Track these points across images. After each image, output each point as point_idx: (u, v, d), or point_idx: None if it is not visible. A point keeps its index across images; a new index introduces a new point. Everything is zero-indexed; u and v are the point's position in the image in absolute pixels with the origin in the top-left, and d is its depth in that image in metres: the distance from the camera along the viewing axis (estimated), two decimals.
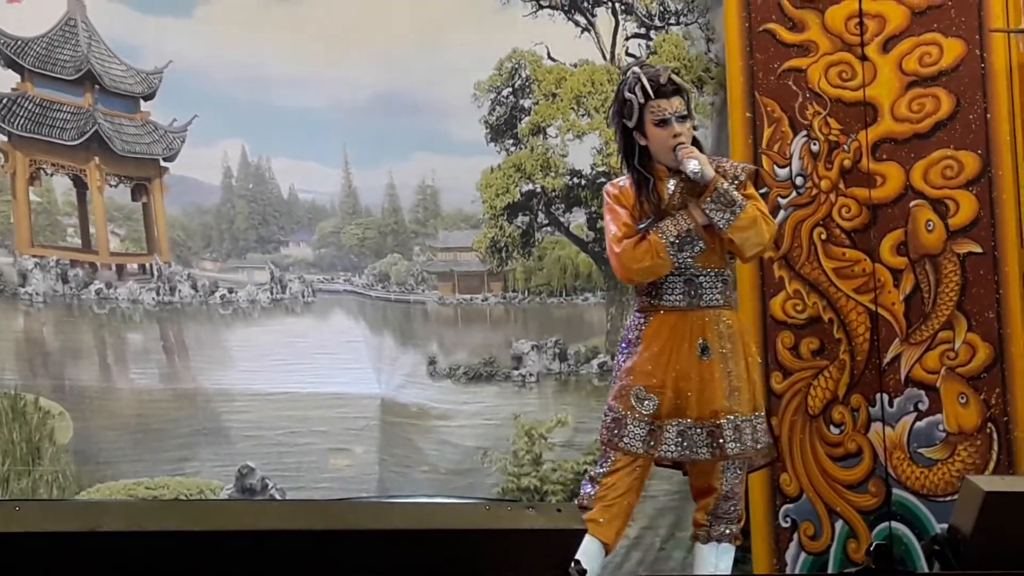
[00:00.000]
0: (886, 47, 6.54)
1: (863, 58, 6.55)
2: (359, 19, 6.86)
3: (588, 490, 5.18)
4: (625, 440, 5.15)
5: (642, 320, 5.27)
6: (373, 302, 7.02)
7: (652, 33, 7.19)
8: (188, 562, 2.96)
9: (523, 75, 7.09)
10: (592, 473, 5.27)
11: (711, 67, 7.19)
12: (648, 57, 7.14)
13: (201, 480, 6.57)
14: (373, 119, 6.92)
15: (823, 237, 6.56)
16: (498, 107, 7.06)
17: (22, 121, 6.43)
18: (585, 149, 7.12)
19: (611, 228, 5.25)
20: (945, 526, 3.74)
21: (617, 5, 7.13)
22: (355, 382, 6.83)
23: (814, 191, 6.59)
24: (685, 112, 5.21)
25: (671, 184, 5.23)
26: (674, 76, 5.24)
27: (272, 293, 6.88)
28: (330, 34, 6.80)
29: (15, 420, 6.30)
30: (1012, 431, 6.36)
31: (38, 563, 2.88)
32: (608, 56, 7.10)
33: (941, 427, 6.42)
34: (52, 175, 6.55)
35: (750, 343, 5.37)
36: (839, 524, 6.51)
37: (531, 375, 7.06)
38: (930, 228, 6.46)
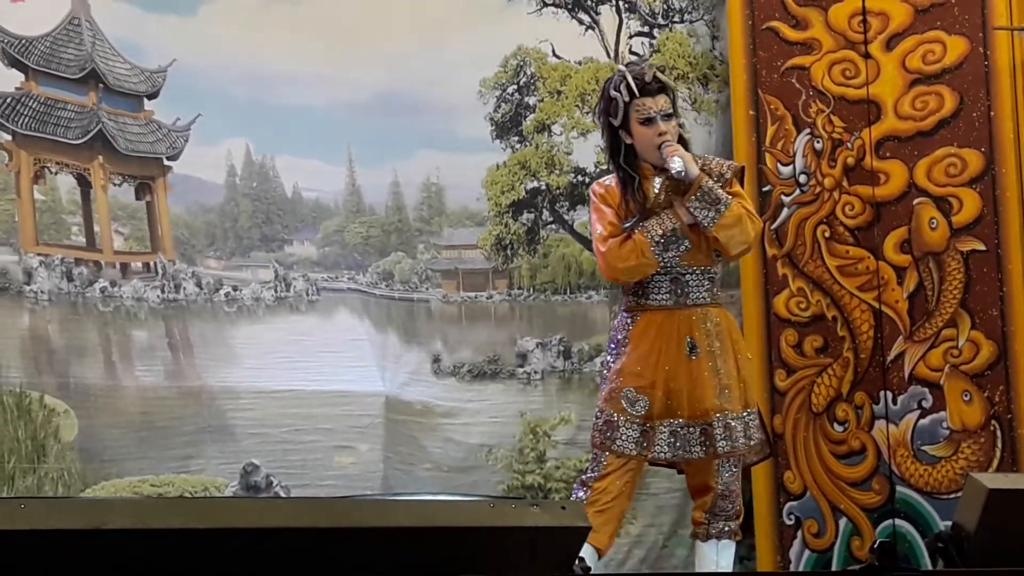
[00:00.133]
0: (889, 45, 6.54)
1: (866, 56, 6.55)
2: (363, 17, 6.86)
3: (580, 495, 5.16)
4: (618, 442, 5.14)
5: (629, 320, 5.27)
6: (377, 300, 7.02)
7: (656, 31, 7.19)
8: (193, 560, 2.97)
9: (528, 72, 7.09)
10: (583, 478, 5.26)
11: (716, 64, 7.19)
12: (651, 55, 7.14)
13: (206, 477, 6.58)
14: (377, 117, 6.93)
15: (827, 235, 6.56)
16: (503, 104, 7.07)
17: (26, 120, 6.44)
18: (590, 147, 7.12)
19: (596, 227, 5.25)
20: (949, 523, 3.74)
21: (621, 3, 7.13)
22: (359, 380, 6.84)
23: (818, 189, 6.59)
24: (671, 110, 5.19)
25: (657, 183, 5.22)
26: (659, 74, 5.21)
27: (276, 291, 6.88)
28: (334, 32, 6.80)
29: (20, 418, 6.30)
30: (1016, 428, 6.35)
31: (43, 560, 2.89)
32: (612, 54, 7.10)
33: (945, 424, 6.42)
34: (56, 174, 6.56)
35: (739, 340, 5.35)
36: (843, 521, 6.51)
37: (536, 373, 7.06)
38: (934, 226, 6.46)
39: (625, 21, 7.16)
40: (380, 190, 7.06)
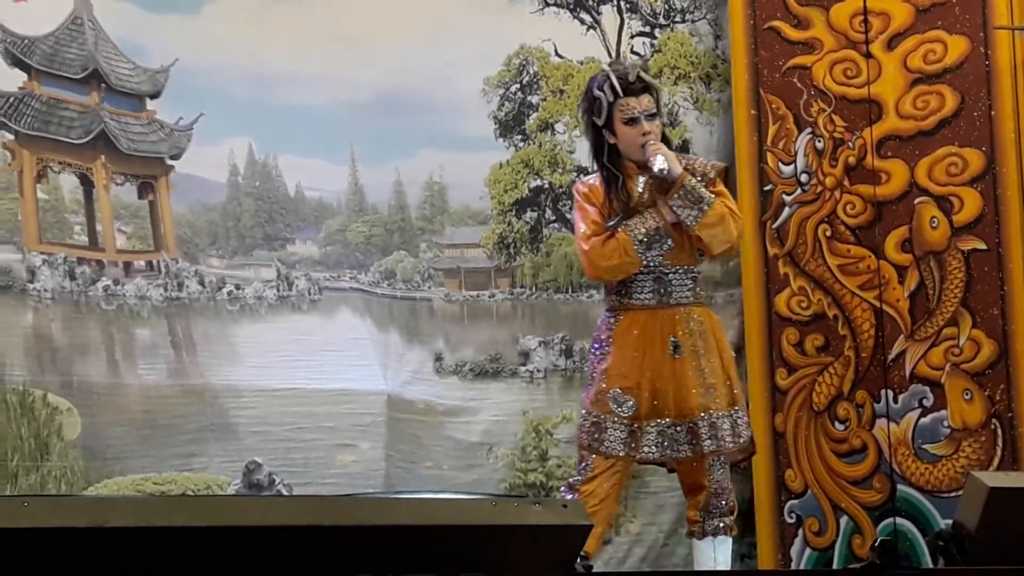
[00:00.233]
0: (891, 44, 6.54)
1: (868, 55, 6.56)
2: (366, 16, 6.86)
3: (568, 498, 5.16)
4: (606, 444, 5.15)
5: (612, 319, 5.27)
6: (379, 299, 7.02)
7: (657, 31, 7.19)
8: (195, 558, 2.97)
9: (531, 71, 7.10)
10: (571, 481, 5.27)
11: (718, 64, 7.19)
12: (653, 55, 7.14)
13: (208, 476, 6.59)
14: (380, 116, 6.92)
15: (828, 234, 6.57)
16: (507, 103, 7.07)
17: (29, 119, 6.44)
18: None
19: (580, 226, 5.26)
20: (950, 522, 3.75)
21: (622, 3, 7.13)
22: (361, 378, 6.84)
23: (819, 188, 6.59)
24: (654, 110, 5.20)
25: (640, 182, 5.23)
26: (643, 74, 5.22)
27: (279, 290, 6.88)
28: (337, 31, 6.80)
29: (23, 416, 6.31)
30: (1016, 427, 6.36)
31: (46, 558, 2.89)
32: (613, 54, 7.10)
33: (946, 423, 6.43)
34: (59, 173, 6.56)
35: (723, 339, 5.35)
36: (844, 520, 6.52)
37: (538, 371, 7.06)
38: (935, 225, 6.47)
39: (626, 21, 7.16)
40: (383, 189, 7.06)
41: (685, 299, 5.24)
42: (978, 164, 6.42)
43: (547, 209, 7.15)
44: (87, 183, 6.60)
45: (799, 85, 6.61)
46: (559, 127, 7.13)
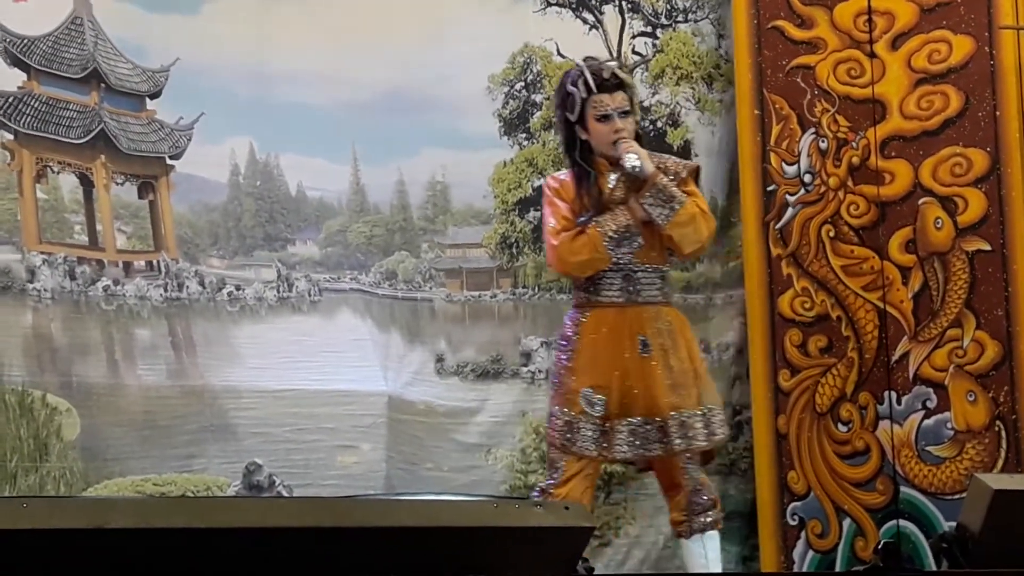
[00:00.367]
0: (895, 44, 6.53)
1: (872, 55, 6.55)
2: (367, 15, 6.85)
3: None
4: (578, 444, 5.15)
5: (579, 316, 5.28)
6: (380, 300, 7.01)
7: (659, 31, 7.17)
8: (195, 559, 2.96)
9: (535, 70, 7.08)
10: (543, 486, 5.27)
11: (720, 64, 7.18)
12: (655, 55, 7.13)
13: (208, 477, 6.58)
14: (382, 115, 6.91)
15: (831, 235, 6.56)
16: (511, 101, 7.05)
17: (28, 119, 6.44)
18: None
19: (550, 220, 5.26)
20: (953, 524, 3.73)
21: (624, 3, 7.12)
22: (362, 380, 6.83)
23: (822, 188, 6.58)
24: (628, 107, 5.21)
25: (612, 179, 5.24)
26: (618, 71, 5.24)
27: (279, 291, 6.87)
28: (338, 30, 6.79)
29: (22, 416, 6.30)
30: (1020, 429, 6.35)
31: (45, 560, 2.88)
32: (615, 54, 7.09)
33: (949, 425, 6.42)
34: (59, 173, 6.55)
35: (692, 340, 5.36)
36: (847, 522, 6.51)
37: (540, 372, 7.05)
38: (939, 226, 6.45)
39: (628, 21, 7.14)
40: (385, 189, 7.05)
41: (654, 298, 5.25)
42: (982, 164, 6.41)
43: None
44: (87, 183, 6.59)
45: (803, 85, 6.59)
46: None
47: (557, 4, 7.05)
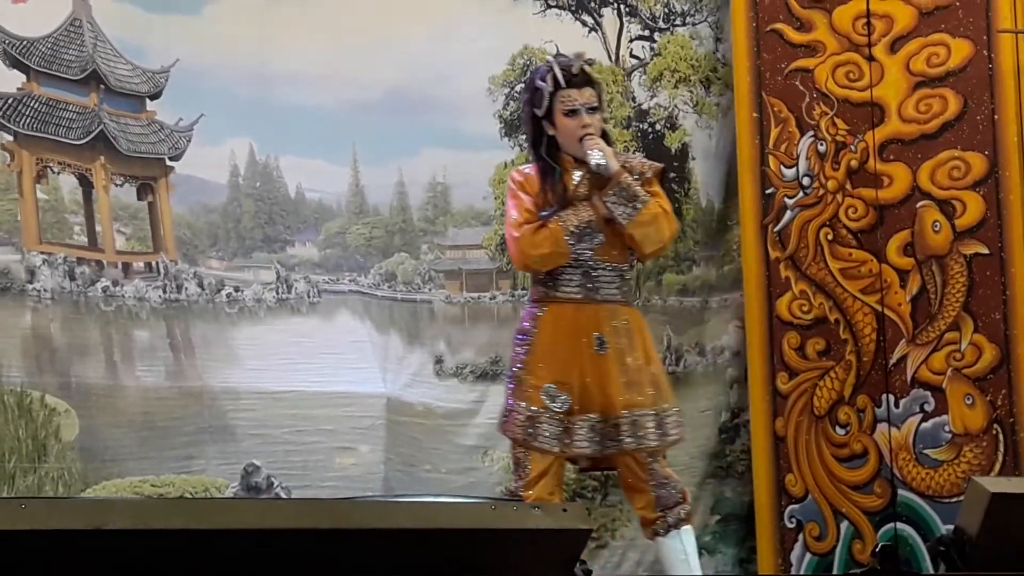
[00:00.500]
0: (893, 47, 6.54)
1: (870, 58, 6.55)
2: (367, 16, 6.85)
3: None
4: (540, 439, 5.14)
5: (537, 311, 5.28)
6: (379, 301, 7.00)
7: (656, 34, 7.18)
8: (193, 560, 2.96)
9: None
10: (511, 488, 5.27)
11: (718, 67, 7.18)
12: (652, 59, 7.14)
13: (207, 478, 6.57)
14: (382, 116, 6.91)
15: (830, 237, 6.56)
16: (512, 102, 7.06)
17: (28, 120, 6.43)
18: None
19: (512, 214, 5.25)
20: (951, 527, 3.74)
21: (622, 7, 7.13)
22: (361, 381, 6.82)
23: (821, 191, 6.59)
24: (596, 104, 5.21)
25: (577, 175, 5.24)
26: (587, 67, 5.25)
27: (278, 293, 6.87)
28: (339, 31, 6.79)
29: (21, 417, 6.29)
30: (1018, 432, 6.35)
31: (43, 561, 2.88)
32: (613, 58, 7.09)
33: (947, 428, 6.42)
34: (59, 174, 6.55)
35: (649, 340, 5.36)
36: (844, 525, 6.51)
37: None
38: (937, 229, 6.46)
39: (626, 25, 7.15)
40: (385, 190, 7.05)
41: (612, 296, 5.25)
42: (981, 168, 6.42)
43: None
44: (86, 184, 6.59)
45: (801, 88, 6.60)
46: None
47: (557, 6, 7.06)
